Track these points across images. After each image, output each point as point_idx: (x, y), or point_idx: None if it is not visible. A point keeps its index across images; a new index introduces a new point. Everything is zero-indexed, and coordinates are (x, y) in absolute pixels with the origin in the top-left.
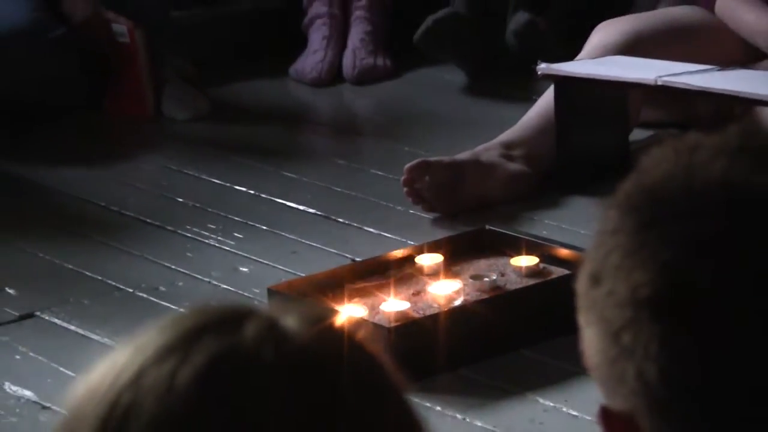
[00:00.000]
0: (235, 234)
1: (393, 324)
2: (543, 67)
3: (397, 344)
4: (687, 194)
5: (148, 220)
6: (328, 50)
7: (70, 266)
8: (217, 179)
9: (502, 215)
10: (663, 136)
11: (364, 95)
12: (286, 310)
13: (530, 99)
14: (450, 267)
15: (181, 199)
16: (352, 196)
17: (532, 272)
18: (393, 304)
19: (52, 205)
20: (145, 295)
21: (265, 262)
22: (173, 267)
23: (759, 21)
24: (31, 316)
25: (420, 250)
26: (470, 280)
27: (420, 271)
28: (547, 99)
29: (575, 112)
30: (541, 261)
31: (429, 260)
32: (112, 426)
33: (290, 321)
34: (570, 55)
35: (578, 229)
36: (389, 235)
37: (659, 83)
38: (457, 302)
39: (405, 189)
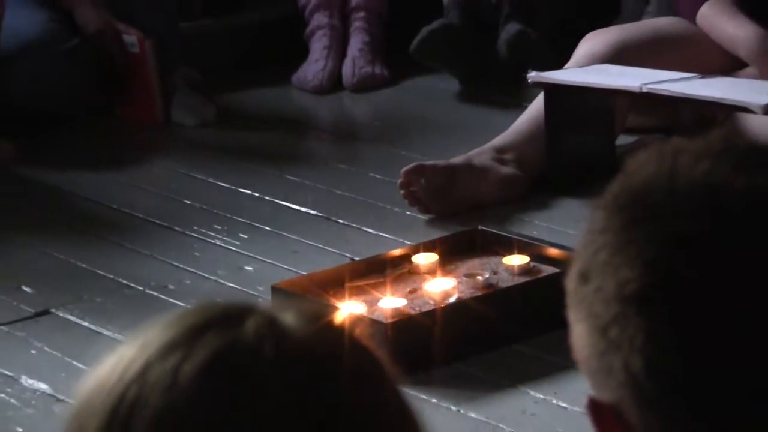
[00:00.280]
0: (240, 234)
1: (390, 320)
2: (533, 75)
3: (394, 340)
4: (671, 195)
5: (158, 222)
6: (328, 59)
7: (84, 265)
8: (223, 182)
9: (494, 216)
10: (648, 140)
11: (362, 102)
12: (286, 307)
13: (521, 106)
14: (445, 266)
15: (188, 201)
16: (352, 198)
17: (523, 271)
18: (390, 301)
19: (66, 207)
20: (154, 293)
21: (269, 261)
22: (181, 266)
23: (738, 31)
24: (46, 312)
25: (416, 250)
26: (464, 278)
27: (416, 269)
28: (537, 106)
29: (564, 118)
30: (531, 260)
31: (425, 259)
32: (120, 418)
33: (290, 318)
34: (559, 63)
35: (567, 229)
36: (387, 236)
37: (644, 90)
38: (452, 299)
39: (402, 191)
